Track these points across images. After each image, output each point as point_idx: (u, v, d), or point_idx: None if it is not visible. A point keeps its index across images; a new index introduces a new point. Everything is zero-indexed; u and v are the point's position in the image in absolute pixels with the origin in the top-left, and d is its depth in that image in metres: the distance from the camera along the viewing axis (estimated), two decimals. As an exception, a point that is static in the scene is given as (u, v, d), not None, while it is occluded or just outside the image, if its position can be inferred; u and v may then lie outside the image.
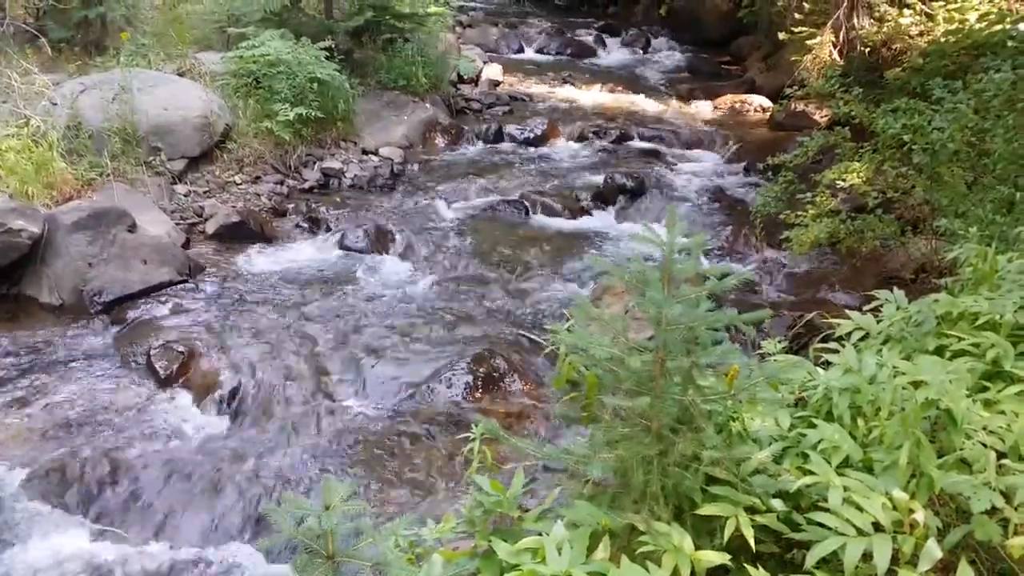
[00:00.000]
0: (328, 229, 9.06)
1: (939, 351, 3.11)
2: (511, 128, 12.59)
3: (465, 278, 8.12)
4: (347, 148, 11.08)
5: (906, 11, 11.12)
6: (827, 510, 2.31)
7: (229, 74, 10.38)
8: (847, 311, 3.61)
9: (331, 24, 11.38)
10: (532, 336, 6.85)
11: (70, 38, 10.64)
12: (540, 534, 2.54)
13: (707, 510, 2.46)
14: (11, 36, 10.01)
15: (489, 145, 12.29)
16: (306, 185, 10.06)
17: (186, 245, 8.22)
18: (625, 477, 2.55)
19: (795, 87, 9.53)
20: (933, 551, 2.15)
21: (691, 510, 2.51)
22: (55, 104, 8.68)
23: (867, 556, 2.18)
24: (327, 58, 10.49)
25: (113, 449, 5.46)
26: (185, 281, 7.58)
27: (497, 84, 15.08)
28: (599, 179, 10.53)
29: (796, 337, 5.65)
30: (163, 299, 7.31)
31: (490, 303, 7.64)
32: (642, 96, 14.87)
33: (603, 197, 10.14)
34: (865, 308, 3.63)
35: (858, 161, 7.09)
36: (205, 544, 4.84)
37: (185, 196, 9.06)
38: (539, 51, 18.42)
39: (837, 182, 7.24)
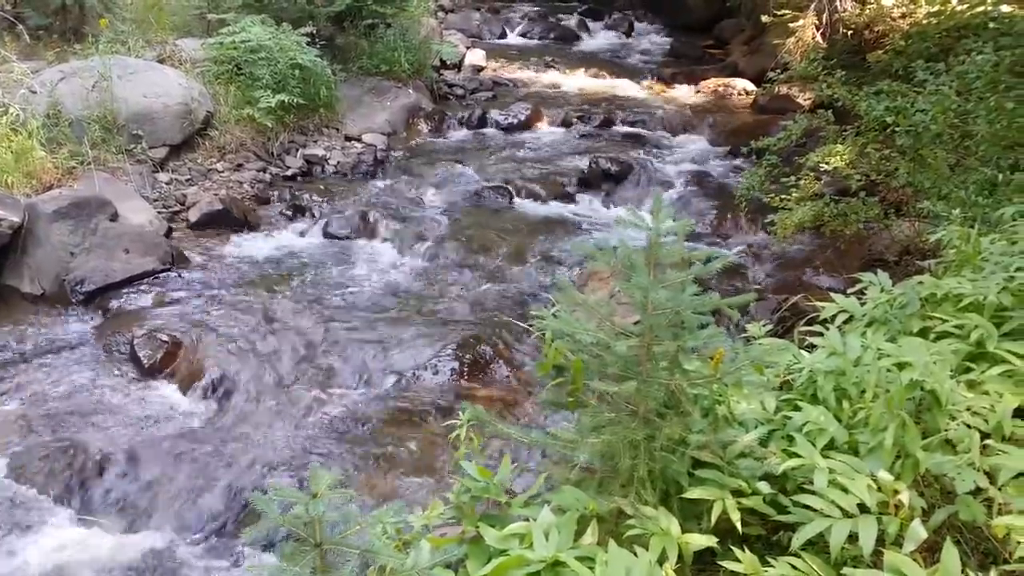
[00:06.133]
0: (312, 216, 9.02)
1: (923, 333, 3.12)
2: (494, 113, 12.55)
3: (450, 264, 8.10)
4: (330, 135, 11.01)
5: (888, -7, 11.14)
6: (813, 492, 2.33)
7: (210, 61, 10.29)
8: (831, 294, 3.62)
9: (312, 9, 11.29)
10: (517, 322, 6.84)
11: (48, 25, 10.52)
12: (528, 519, 2.54)
13: (694, 493, 2.47)
14: (-12, 24, 9.92)
15: (472, 131, 12.25)
16: (289, 172, 10.01)
17: (168, 233, 8.17)
18: (612, 461, 2.55)
19: (778, 70, 9.52)
20: (918, 532, 2.17)
21: (678, 494, 2.52)
22: (34, 92, 8.59)
23: (853, 537, 2.20)
24: (308, 44, 10.41)
25: (97, 439, 5.43)
26: (168, 270, 7.53)
27: (480, 69, 15.02)
28: (583, 164, 10.51)
29: (781, 320, 5.65)
30: (146, 288, 7.27)
31: (475, 289, 7.63)
32: (626, 80, 14.84)
33: (587, 182, 10.13)
34: (849, 291, 3.64)
35: (841, 144, 7.09)
36: (191, 532, 4.83)
37: (167, 184, 9.00)
38: (522, 36, 18.36)
39: (821, 165, 7.25)
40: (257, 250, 8.22)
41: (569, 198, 9.89)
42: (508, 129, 12.29)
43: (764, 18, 12.85)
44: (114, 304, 7.04)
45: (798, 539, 2.26)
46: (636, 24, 19.29)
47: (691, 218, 8.42)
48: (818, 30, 12.30)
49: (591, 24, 19.16)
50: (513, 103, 13.05)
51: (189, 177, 9.26)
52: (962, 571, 2.06)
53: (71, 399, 5.90)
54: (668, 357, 2.54)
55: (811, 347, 3.18)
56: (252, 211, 8.93)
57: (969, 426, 2.46)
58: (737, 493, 2.48)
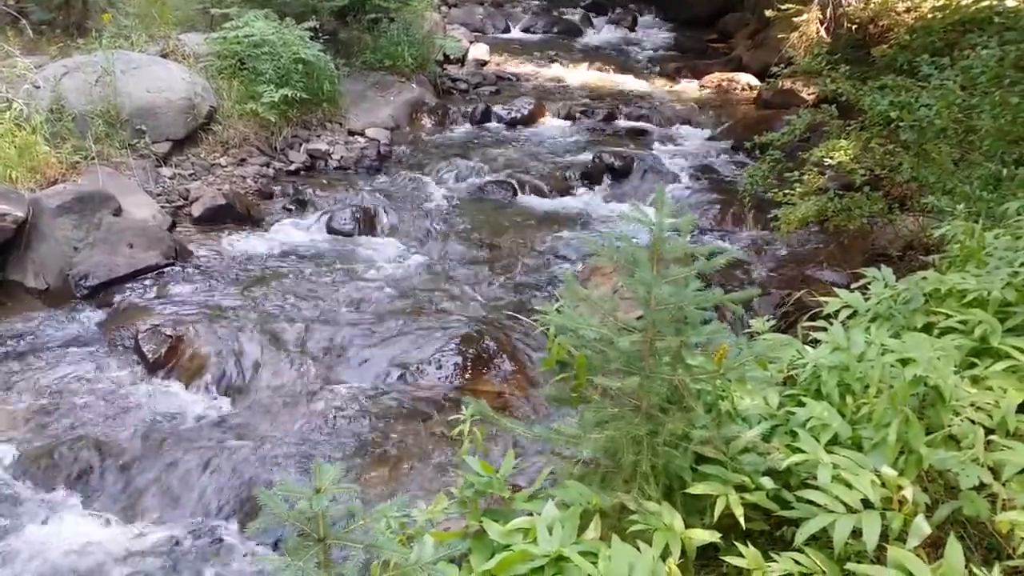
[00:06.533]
0: (315, 211, 9.02)
1: (927, 328, 3.12)
2: (498, 108, 12.54)
3: (453, 259, 8.10)
4: (333, 129, 11.01)
5: (893, -13, 11.11)
6: (816, 488, 2.32)
7: (213, 55, 10.28)
8: (835, 289, 3.61)
9: (315, 4, 11.27)
10: (521, 317, 6.84)
11: (52, 20, 10.53)
12: (531, 514, 2.54)
13: (697, 489, 2.47)
14: (-9, 18, 9.93)
15: (476, 125, 12.23)
16: (292, 167, 10.00)
17: (172, 228, 8.17)
18: (615, 457, 2.55)
19: (782, 65, 9.51)
20: (922, 527, 2.17)
21: (681, 489, 2.52)
22: (38, 87, 8.59)
23: (856, 533, 2.20)
24: (312, 38, 10.40)
25: (102, 433, 5.44)
26: (172, 264, 7.53)
27: (483, 64, 15.01)
28: (586, 159, 10.51)
29: (784, 315, 5.65)
30: (150, 283, 7.27)
31: (478, 284, 7.63)
32: (629, 75, 14.84)
33: (591, 177, 10.12)
34: (853, 286, 3.64)
35: (845, 139, 7.09)
36: (195, 527, 4.83)
37: (170, 179, 8.99)
38: (525, 30, 18.36)
39: (825, 160, 7.24)
40: (260, 245, 8.22)
41: (572, 193, 9.90)
42: (511, 123, 12.29)
43: (768, 12, 12.82)
44: (118, 299, 7.05)
45: (801, 534, 2.27)
46: (640, 18, 19.31)
47: (694, 213, 8.42)
48: (822, 24, 12.29)
49: (594, 19, 19.19)
50: (516, 98, 13.03)
51: (192, 172, 9.26)
52: (966, 567, 2.06)
53: (75, 393, 5.90)
54: (671, 352, 2.54)
55: (814, 342, 3.18)
56: (255, 206, 8.93)
57: (973, 422, 2.46)
58: (740, 488, 2.48)
